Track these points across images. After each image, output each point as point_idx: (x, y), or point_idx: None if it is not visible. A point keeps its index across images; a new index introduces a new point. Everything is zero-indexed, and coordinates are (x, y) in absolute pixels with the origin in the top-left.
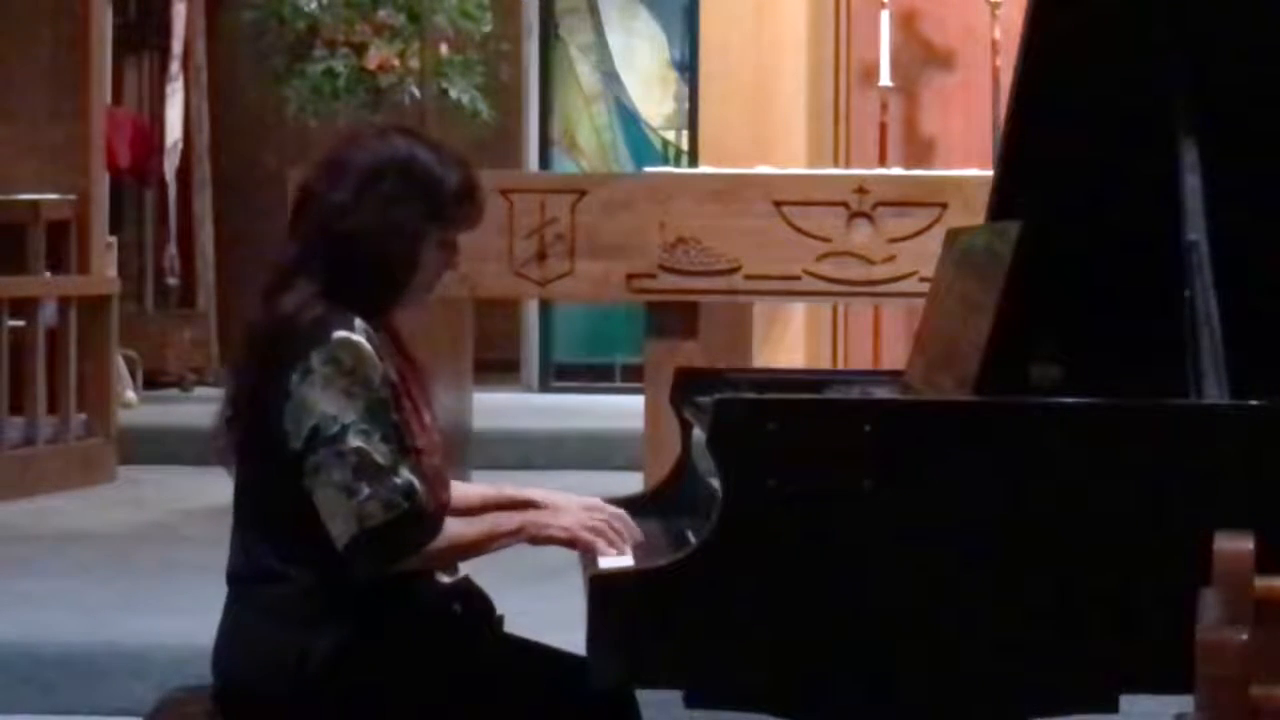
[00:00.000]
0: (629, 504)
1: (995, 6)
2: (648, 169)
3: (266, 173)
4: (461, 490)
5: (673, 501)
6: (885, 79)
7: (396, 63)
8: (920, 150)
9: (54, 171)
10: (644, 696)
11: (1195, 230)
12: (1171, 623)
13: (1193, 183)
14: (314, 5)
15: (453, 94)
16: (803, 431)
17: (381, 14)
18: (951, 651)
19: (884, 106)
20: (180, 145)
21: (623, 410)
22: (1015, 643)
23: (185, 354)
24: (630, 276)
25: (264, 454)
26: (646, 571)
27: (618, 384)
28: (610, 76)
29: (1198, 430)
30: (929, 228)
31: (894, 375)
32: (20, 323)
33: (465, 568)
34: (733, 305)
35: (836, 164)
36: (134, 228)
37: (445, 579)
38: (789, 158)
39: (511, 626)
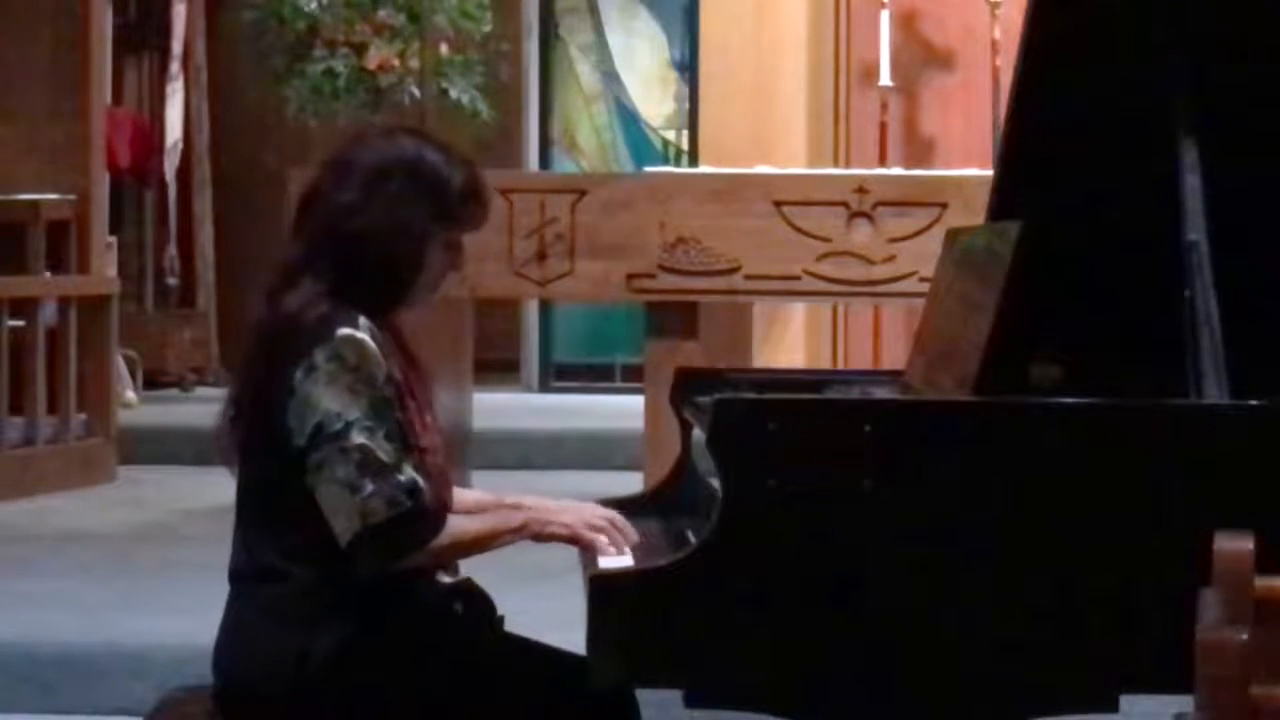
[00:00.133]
0: (629, 504)
1: (995, 6)
2: (648, 169)
3: (266, 173)
4: (460, 495)
5: (673, 501)
6: (885, 79)
7: (396, 63)
8: (920, 150)
9: (54, 171)
10: (644, 696)
11: (1195, 230)
12: (1171, 623)
13: (1193, 183)
14: (314, 5)
15: (453, 94)
16: (803, 431)
17: (381, 14)
18: (951, 651)
19: (884, 106)
20: (180, 145)
21: (623, 410)
22: (1015, 643)
23: (185, 354)
24: (630, 276)
25: (267, 452)
26: (646, 571)
27: (618, 384)
28: (610, 76)
29: (1198, 430)
30: (929, 228)
31: (894, 375)
32: (20, 323)
33: (466, 568)
34: (733, 305)
35: (836, 164)
36: (134, 228)
37: (446, 579)
38: (789, 158)
39: (512, 626)
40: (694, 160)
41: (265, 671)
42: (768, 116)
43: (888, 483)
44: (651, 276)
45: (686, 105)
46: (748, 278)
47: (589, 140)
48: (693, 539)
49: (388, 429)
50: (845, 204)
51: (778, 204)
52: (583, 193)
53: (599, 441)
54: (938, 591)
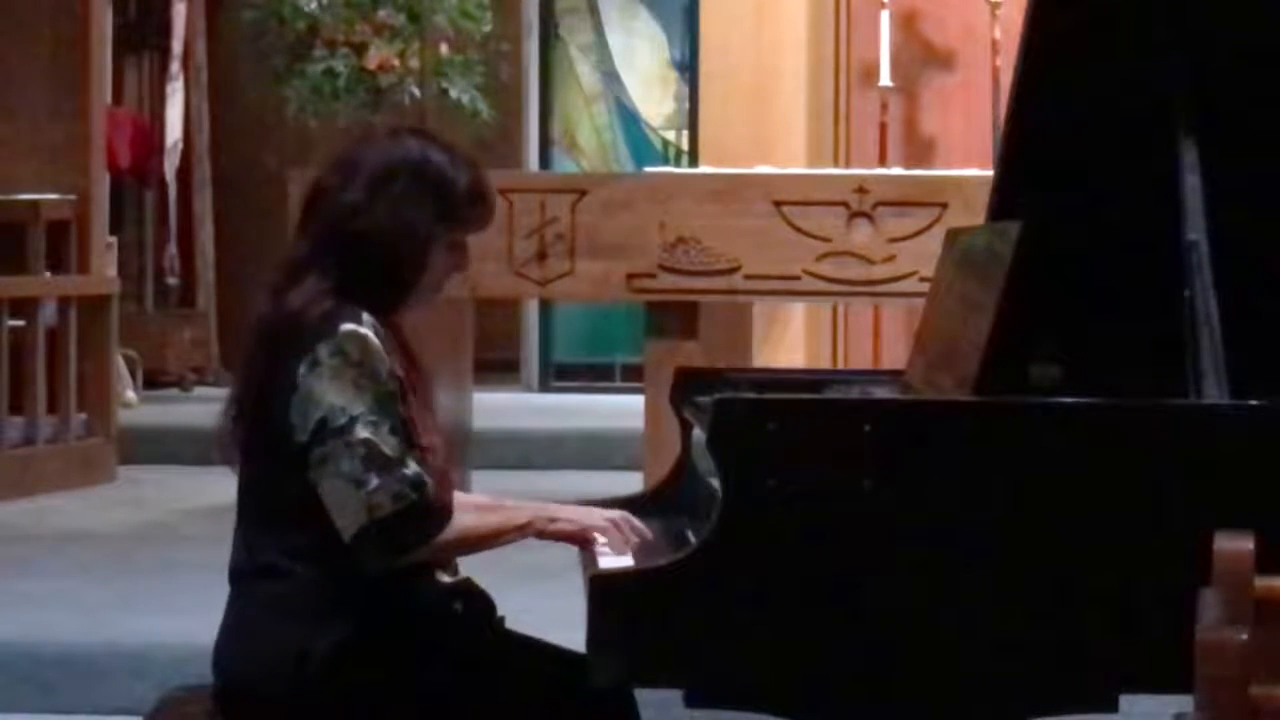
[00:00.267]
0: (629, 504)
1: (995, 6)
2: (648, 169)
3: (266, 173)
4: (461, 499)
5: (673, 501)
6: (885, 79)
7: (396, 63)
8: (920, 150)
9: (54, 171)
10: (644, 696)
11: (1195, 230)
12: (1171, 623)
13: (1193, 183)
14: (314, 5)
15: (453, 94)
16: (803, 431)
17: (381, 14)
18: (951, 651)
19: (884, 106)
20: (180, 145)
21: (623, 410)
22: (1015, 643)
23: (185, 354)
24: (630, 276)
25: (269, 448)
26: (646, 571)
27: (618, 384)
28: (610, 76)
29: (1198, 430)
30: (929, 228)
31: (894, 375)
32: (20, 323)
33: (466, 568)
34: (733, 305)
35: (836, 164)
36: (134, 228)
37: (446, 578)
38: (789, 158)
39: (513, 626)
40: (694, 160)
41: (265, 670)
42: (768, 116)
43: (888, 483)
44: (651, 276)
45: (686, 105)
46: (748, 278)
47: (589, 140)
48: (693, 539)
49: (392, 424)
50: (845, 204)
51: (778, 204)
52: (583, 193)
53: (599, 441)
54: (938, 591)
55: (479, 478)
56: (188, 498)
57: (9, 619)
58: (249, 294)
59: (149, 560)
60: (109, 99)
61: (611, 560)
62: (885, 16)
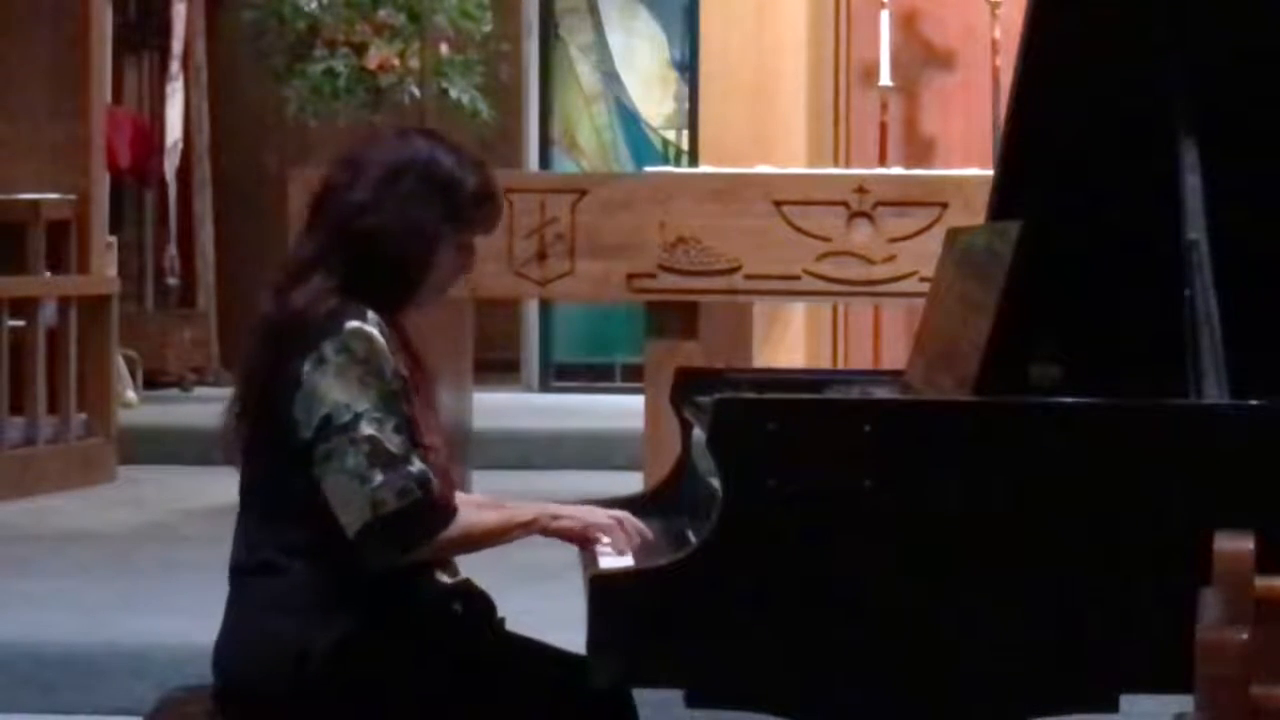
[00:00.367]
0: (629, 504)
1: (995, 6)
2: (648, 169)
3: (266, 173)
4: (462, 498)
5: (673, 501)
6: (885, 79)
7: (396, 63)
8: (920, 150)
9: (54, 171)
10: (644, 696)
11: (1195, 230)
12: (1171, 623)
13: (1193, 183)
14: (314, 5)
15: (453, 94)
16: (803, 431)
17: (381, 14)
18: (951, 651)
19: (884, 106)
20: (180, 145)
21: (623, 410)
22: (1015, 643)
23: (185, 354)
24: (630, 276)
25: (272, 444)
26: (646, 571)
27: (618, 384)
28: (610, 76)
29: (1198, 430)
30: (929, 228)
31: (894, 375)
32: (20, 323)
33: (466, 568)
34: (733, 305)
35: (836, 164)
36: (134, 228)
37: (446, 579)
38: (789, 158)
39: (513, 626)
40: (694, 160)
41: (265, 669)
42: (768, 116)
43: (888, 483)
44: (651, 276)
45: (686, 105)
46: (748, 277)
47: (589, 140)
48: (693, 539)
49: (396, 422)
50: (845, 204)
51: (778, 204)
52: (583, 193)
53: (599, 441)
54: (938, 591)
55: (479, 478)
56: (188, 498)
57: (9, 619)
58: (249, 294)
59: (149, 560)
60: (109, 99)
61: (612, 560)
62: (885, 16)
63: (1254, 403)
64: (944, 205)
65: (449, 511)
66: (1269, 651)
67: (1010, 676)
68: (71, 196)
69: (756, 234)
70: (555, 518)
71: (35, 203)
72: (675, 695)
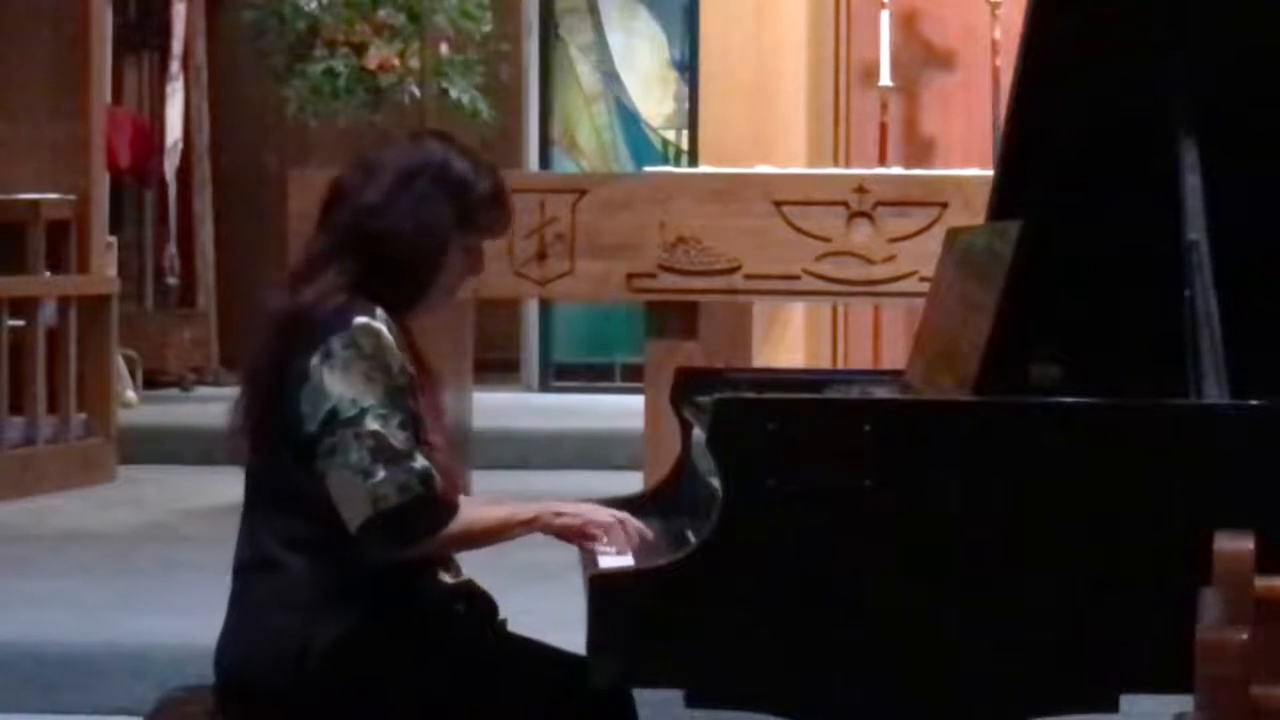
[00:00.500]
0: (629, 504)
1: (995, 6)
2: (648, 169)
3: (266, 173)
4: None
5: (673, 501)
6: (885, 79)
7: (396, 63)
8: (920, 150)
9: (54, 171)
10: (644, 696)
11: (1195, 230)
12: (1171, 623)
13: (1193, 183)
14: (314, 5)
15: (453, 94)
16: (803, 431)
17: (381, 14)
18: (951, 651)
19: (884, 106)
20: (180, 145)
21: (623, 410)
22: (1015, 643)
23: (185, 354)
24: (630, 276)
25: (278, 437)
26: (646, 571)
27: (618, 384)
28: (610, 76)
29: (1198, 430)
30: (929, 228)
31: (894, 375)
32: (20, 323)
33: (467, 569)
34: (733, 305)
35: (836, 164)
36: (134, 228)
37: (448, 579)
38: (789, 158)
39: (513, 626)
40: (694, 160)
41: (266, 666)
42: (768, 116)
43: (888, 483)
44: (651, 276)
45: (686, 105)
46: (748, 277)
47: (589, 140)
48: (693, 539)
49: (402, 418)
50: (845, 204)
51: (778, 204)
52: (583, 192)
53: (599, 441)
54: (938, 591)
55: (478, 478)
56: (188, 498)
57: (9, 619)
58: (249, 294)
59: (149, 560)
60: (109, 99)
61: (611, 560)
62: (885, 16)
63: (1254, 403)
64: (944, 205)
65: (450, 508)
66: (1269, 651)
67: (1010, 676)
68: (71, 196)
69: (756, 234)
70: (557, 515)
71: (35, 203)
72: (675, 695)
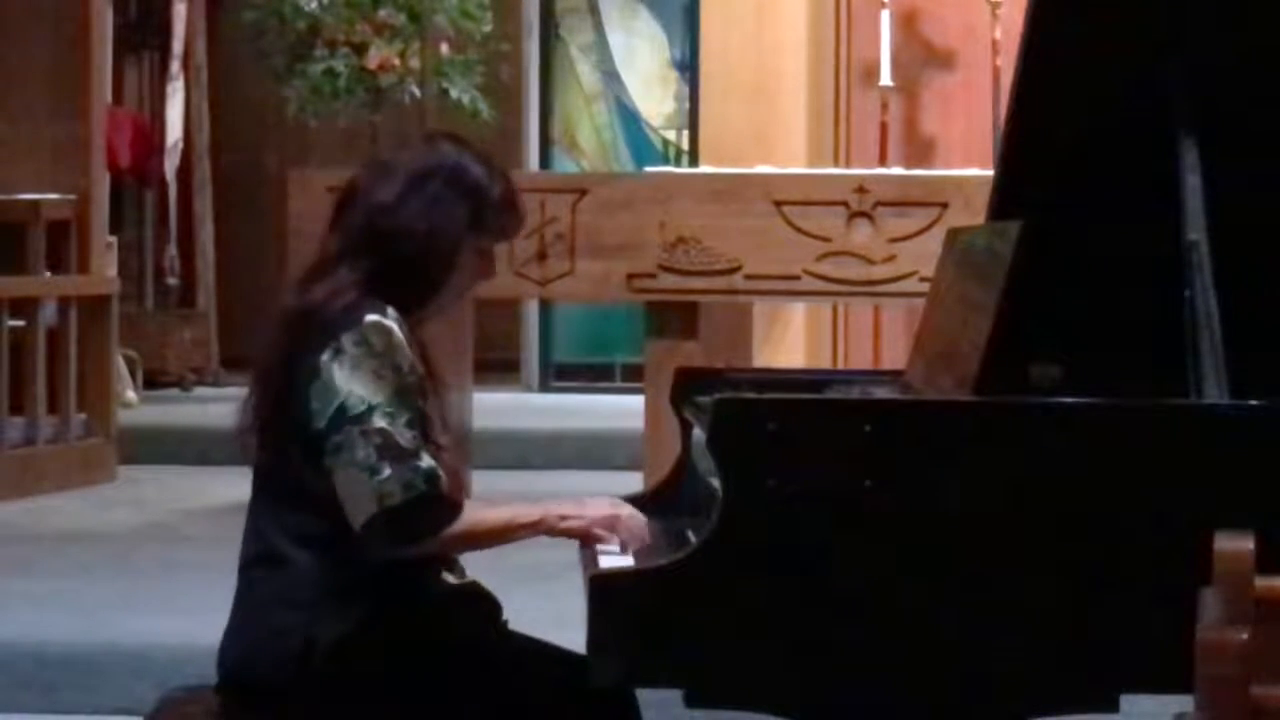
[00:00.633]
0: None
1: (995, 6)
2: (648, 169)
3: (266, 173)
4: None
5: (673, 501)
6: (885, 79)
7: (397, 63)
8: (920, 150)
9: (54, 171)
10: (644, 696)
11: (1195, 230)
12: (1171, 623)
13: (1193, 183)
14: (314, 5)
15: (453, 94)
16: (803, 431)
17: (381, 14)
18: (951, 651)
19: (884, 106)
20: (180, 145)
21: (623, 410)
22: (1015, 643)
23: (185, 354)
24: (630, 276)
25: (287, 433)
26: (646, 571)
27: (618, 384)
28: (610, 76)
29: (1198, 430)
30: (929, 228)
31: (894, 375)
32: (20, 323)
33: (469, 570)
34: (733, 305)
35: (836, 164)
36: (134, 228)
37: (452, 580)
38: (789, 158)
39: (513, 626)
40: (694, 160)
41: (269, 663)
42: (768, 116)
43: (888, 483)
44: (651, 276)
45: (686, 105)
46: (748, 278)
47: (589, 140)
48: (693, 539)
49: (409, 417)
50: (845, 204)
51: (778, 204)
52: (583, 192)
53: (599, 441)
54: (938, 591)
55: (478, 478)
56: (188, 498)
57: (9, 619)
58: (249, 294)
59: (149, 560)
60: (109, 99)
61: (611, 560)
62: (885, 16)
63: (1254, 403)
64: (944, 205)
65: (454, 508)
66: (1269, 651)
67: (1010, 676)
68: (71, 196)
69: (756, 234)
70: (562, 518)
71: (35, 203)
72: (675, 695)
